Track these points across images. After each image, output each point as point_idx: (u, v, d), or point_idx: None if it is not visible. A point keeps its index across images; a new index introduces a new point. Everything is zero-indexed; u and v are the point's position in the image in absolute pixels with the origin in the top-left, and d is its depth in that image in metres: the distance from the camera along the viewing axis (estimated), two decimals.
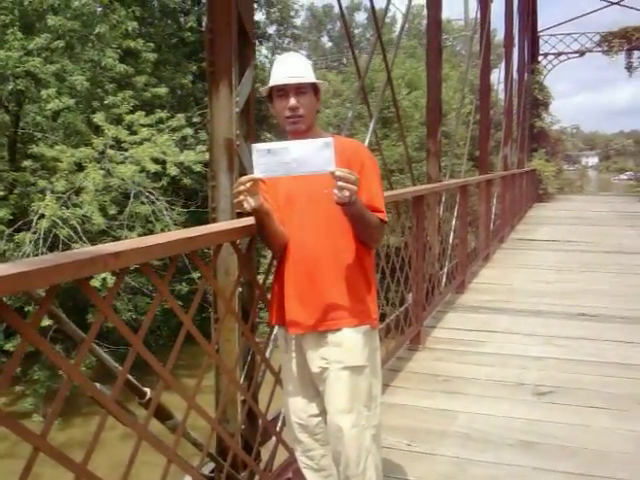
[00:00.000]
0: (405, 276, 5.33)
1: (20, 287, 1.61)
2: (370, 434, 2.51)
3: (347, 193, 2.18)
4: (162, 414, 2.77)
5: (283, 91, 2.49)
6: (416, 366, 5.13)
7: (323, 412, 2.59)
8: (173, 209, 13.34)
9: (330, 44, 40.19)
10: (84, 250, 1.91)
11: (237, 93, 3.33)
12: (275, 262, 2.68)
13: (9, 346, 11.40)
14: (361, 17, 41.86)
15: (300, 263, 2.50)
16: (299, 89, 2.49)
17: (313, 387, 2.60)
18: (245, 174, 3.42)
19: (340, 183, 2.17)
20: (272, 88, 2.52)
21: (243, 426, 3.26)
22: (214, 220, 3.30)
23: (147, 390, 2.63)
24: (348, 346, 2.46)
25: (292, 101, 2.47)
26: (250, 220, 2.61)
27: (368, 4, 7.11)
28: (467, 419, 4.13)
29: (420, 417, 4.17)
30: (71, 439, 10.14)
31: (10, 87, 13.58)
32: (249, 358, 3.46)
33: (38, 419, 10.44)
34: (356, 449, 2.47)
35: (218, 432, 2.81)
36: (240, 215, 3.31)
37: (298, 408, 2.66)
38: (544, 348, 5.48)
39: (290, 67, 2.51)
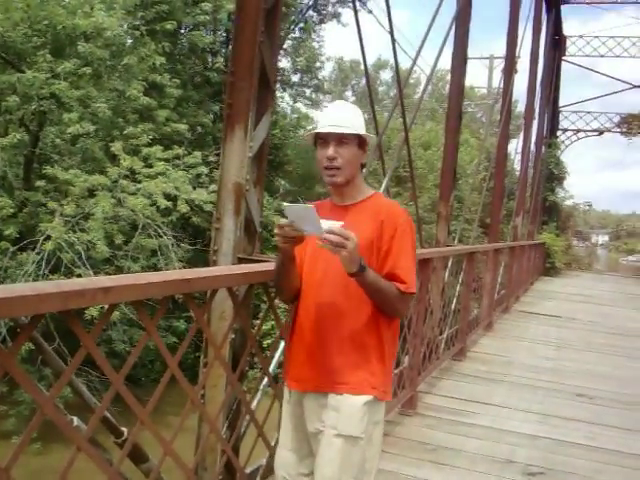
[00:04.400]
0: (403, 338, 5.24)
1: (2, 313, 1.57)
2: None
3: (344, 253, 2.11)
4: (137, 455, 2.69)
5: (324, 140, 2.40)
6: (406, 432, 5.00)
7: (312, 473, 2.47)
8: (179, 245, 13.32)
9: (353, 98, 40.73)
10: (74, 281, 1.86)
11: (252, 137, 3.33)
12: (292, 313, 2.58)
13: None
14: (386, 75, 42.54)
15: (312, 321, 2.41)
16: (341, 139, 2.38)
17: (308, 445, 2.49)
18: (251, 219, 3.41)
19: (330, 241, 2.10)
20: (316, 135, 2.44)
21: (220, 477, 3.17)
22: (214, 263, 3.27)
23: (124, 430, 2.56)
24: (345, 413, 2.33)
25: (330, 150, 2.37)
26: (250, 267, 2.57)
27: (394, 63, 7.18)
28: None
29: None
30: (47, 465, 9.93)
31: (33, 107, 13.73)
32: (234, 406, 3.39)
33: (18, 440, 10.26)
34: None
35: None
36: (241, 260, 3.29)
37: (288, 463, 2.54)
38: (538, 427, 5.34)
39: (336, 115, 2.41)
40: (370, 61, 40.93)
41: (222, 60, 19.24)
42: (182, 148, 13.62)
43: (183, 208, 12.41)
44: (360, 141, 2.42)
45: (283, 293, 2.56)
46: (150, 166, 12.86)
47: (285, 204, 2.20)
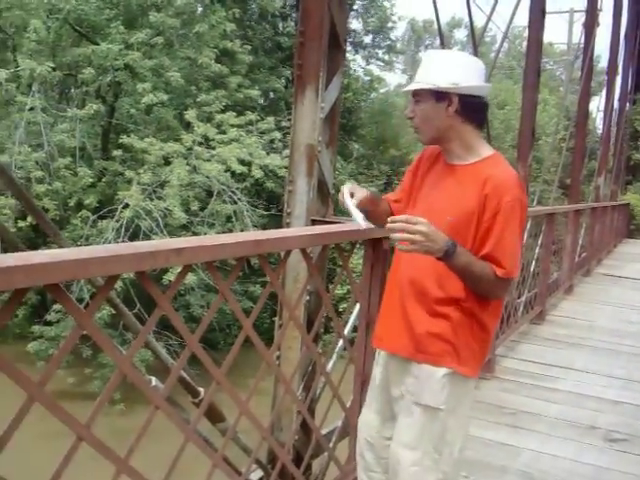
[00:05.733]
0: None
1: (78, 274, 1.59)
2: (436, 478, 2.27)
3: (414, 248, 2.00)
4: (214, 415, 2.73)
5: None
6: (483, 395, 4.93)
7: None
8: (254, 211, 13.43)
9: None
10: (147, 243, 1.87)
11: (323, 98, 3.27)
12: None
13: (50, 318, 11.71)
14: (461, 34, 41.47)
15: (399, 284, 2.32)
16: (414, 96, 2.21)
17: (391, 409, 2.43)
18: (324, 181, 3.38)
19: (392, 234, 2.02)
20: None
21: (296, 437, 3.19)
22: (288, 225, 3.25)
23: (201, 390, 2.59)
24: (424, 383, 2.24)
25: (406, 110, 2.24)
26: (323, 228, 2.54)
27: (468, 22, 6.95)
28: (530, 457, 3.92)
29: (481, 449, 3.99)
30: (130, 426, 10.29)
31: (108, 79, 14.02)
32: (310, 368, 3.40)
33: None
34: None
35: (269, 441, 2.73)
36: (315, 222, 3.26)
37: (371, 425, 2.50)
38: (621, 392, 5.18)
39: (420, 70, 2.21)
40: (444, 20, 39.95)
41: (293, 24, 19.16)
42: (255, 114, 13.66)
43: (257, 173, 12.47)
44: (439, 95, 2.15)
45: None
46: (224, 133, 12.96)
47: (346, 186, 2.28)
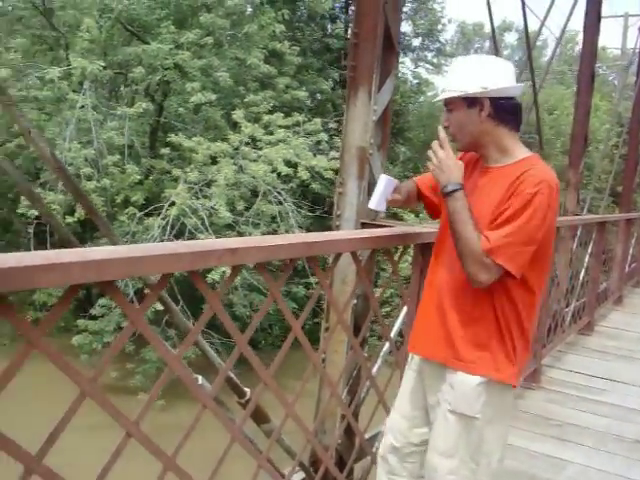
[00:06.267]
0: None
1: (132, 272, 1.58)
2: None
3: (431, 166, 2.17)
4: (259, 416, 2.72)
5: None
6: (529, 406, 4.84)
7: (422, 444, 2.40)
8: (299, 212, 13.45)
9: None
10: (201, 242, 1.86)
11: (375, 101, 3.25)
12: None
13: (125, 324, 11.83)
14: (511, 38, 40.95)
15: (434, 290, 2.30)
16: (447, 104, 2.20)
17: (422, 415, 2.41)
18: (374, 184, 3.35)
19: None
20: None
21: (339, 440, 3.17)
22: (337, 227, 3.23)
23: (247, 390, 2.59)
24: (459, 391, 2.21)
25: (442, 119, 2.24)
26: (373, 232, 2.51)
27: (520, 25, 6.85)
28: (577, 471, 3.83)
29: (526, 461, 3.91)
30: (171, 421, 10.37)
31: (158, 78, 14.17)
32: (355, 372, 3.37)
33: (143, 397, 10.75)
34: None
35: (312, 444, 2.71)
36: (364, 225, 3.24)
37: (398, 429, 2.47)
38: None
39: (449, 78, 2.20)
40: (494, 23, 39.44)
41: (341, 26, 19.15)
42: (302, 115, 13.68)
43: (303, 175, 12.47)
44: (470, 100, 2.13)
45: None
46: (270, 133, 13.00)
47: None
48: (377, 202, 2.40)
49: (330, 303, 2.70)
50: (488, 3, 5.25)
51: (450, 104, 2.19)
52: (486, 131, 2.16)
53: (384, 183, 2.43)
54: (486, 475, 2.24)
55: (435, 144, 2.17)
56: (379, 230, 2.78)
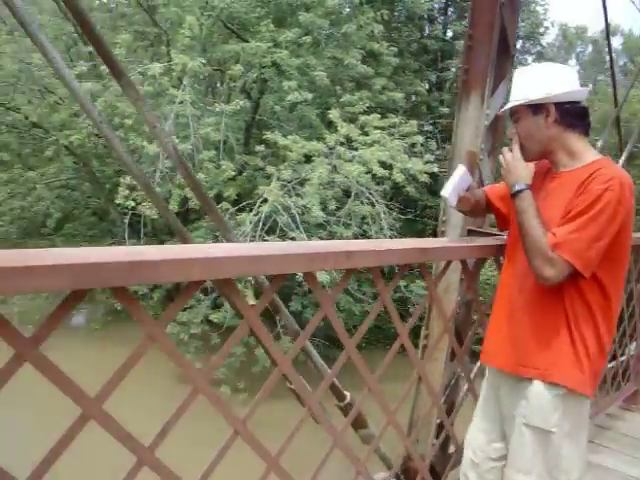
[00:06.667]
0: (633, 326, 4.82)
1: (251, 271, 1.57)
2: None
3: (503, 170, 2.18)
4: (357, 421, 2.69)
5: None
6: (627, 428, 4.62)
7: (500, 459, 2.33)
8: (391, 214, 13.34)
9: (577, 67, 38.27)
10: (316, 244, 1.84)
11: (488, 105, 3.16)
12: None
13: (214, 317, 12.00)
14: (616, 42, 39.55)
15: (505, 298, 2.27)
16: (512, 115, 2.22)
17: (499, 428, 2.34)
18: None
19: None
20: None
21: (433, 454, 3.10)
22: (442, 233, 3.16)
23: (347, 394, 2.56)
24: (534, 403, 2.13)
25: (509, 132, 2.25)
26: (484, 241, 2.44)
27: (626, 28, 6.58)
28: None
29: None
30: (254, 418, 10.45)
31: (255, 75, 14.33)
32: (452, 381, 3.30)
33: (226, 390, 10.87)
34: None
35: (409, 452, 2.65)
36: (470, 232, 3.15)
37: (477, 444, 2.41)
38: None
39: (512, 89, 2.21)
40: (598, 27, 38.22)
41: (440, 27, 18.92)
42: (398, 117, 13.56)
43: (398, 177, 12.34)
44: (535, 107, 2.14)
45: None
46: (366, 134, 12.94)
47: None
48: (450, 192, 2.34)
49: (435, 310, 2.63)
50: (604, 4, 5.05)
51: (516, 114, 2.20)
52: (554, 137, 2.15)
53: (460, 174, 2.38)
54: None
55: (505, 149, 2.24)
56: (489, 239, 2.70)
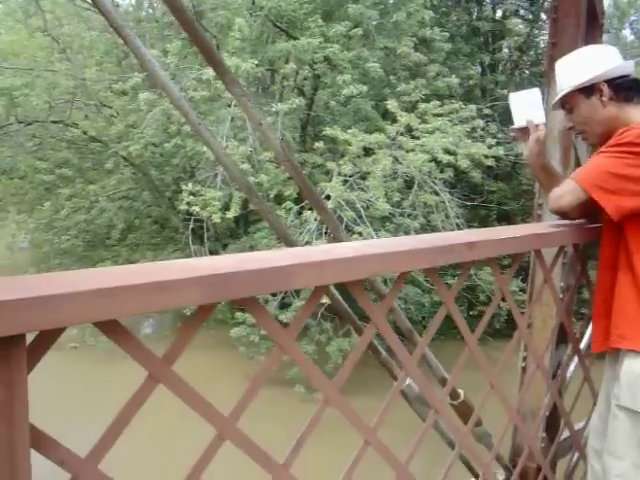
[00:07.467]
0: None
1: (381, 270, 1.48)
2: None
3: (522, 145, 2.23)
4: (467, 418, 2.58)
5: None
6: None
7: None
8: (456, 202, 13.15)
9: (632, 37, 37.16)
10: (432, 237, 1.74)
11: None
12: None
13: (282, 317, 11.99)
14: None
15: (597, 276, 2.22)
16: (564, 106, 2.18)
17: None
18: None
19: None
20: None
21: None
22: (539, 217, 3.02)
23: (461, 392, 2.45)
24: (624, 382, 2.01)
25: (564, 123, 2.23)
26: (590, 223, 2.30)
27: None
28: None
29: None
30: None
31: (306, 72, 14.28)
32: (559, 371, 3.15)
33: (300, 389, 10.85)
34: None
35: (531, 450, 2.51)
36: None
37: (595, 431, 2.33)
38: None
39: (558, 80, 2.18)
40: None
41: (489, 8, 18.59)
42: (458, 102, 13.32)
43: (463, 163, 12.14)
44: (587, 90, 2.09)
45: None
46: (425, 122, 12.77)
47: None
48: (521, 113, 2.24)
49: (554, 298, 2.46)
50: None
51: (568, 103, 2.15)
52: (614, 115, 2.09)
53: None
54: None
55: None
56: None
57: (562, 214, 2.05)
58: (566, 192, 2.03)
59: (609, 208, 1.94)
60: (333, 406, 1.51)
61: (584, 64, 2.11)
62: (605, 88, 2.07)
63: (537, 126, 2.19)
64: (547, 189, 2.22)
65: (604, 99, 2.07)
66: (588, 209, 2.04)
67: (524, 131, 2.23)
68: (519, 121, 2.23)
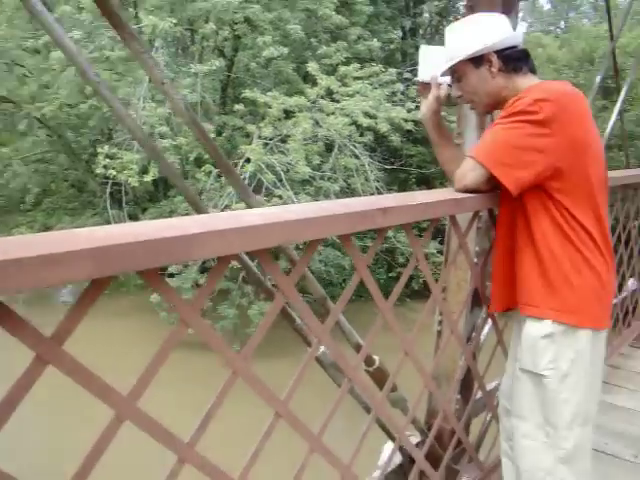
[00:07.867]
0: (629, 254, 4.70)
1: (293, 237, 1.41)
2: (555, 456, 2.02)
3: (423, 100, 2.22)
4: (383, 383, 2.57)
5: None
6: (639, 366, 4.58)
7: None
8: (375, 166, 13.20)
9: (548, 6, 37.91)
10: (350, 202, 1.67)
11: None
12: None
13: (203, 281, 11.85)
14: None
15: (499, 235, 2.19)
16: (453, 75, 2.12)
17: None
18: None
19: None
20: None
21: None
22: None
23: (376, 358, 2.43)
24: (525, 345, 2.03)
25: (452, 91, 2.15)
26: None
27: None
28: None
29: (637, 422, 3.68)
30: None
31: (227, 32, 13.96)
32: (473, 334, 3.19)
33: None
34: (528, 463, 2.08)
35: (446, 413, 2.52)
36: None
37: (505, 392, 2.33)
38: None
39: (447, 48, 2.11)
40: None
41: None
42: (378, 66, 13.29)
43: (383, 127, 12.15)
44: (477, 60, 2.04)
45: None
46: (345, 85, 12.71)
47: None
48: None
49: (469, 262, 2.45)
50: None
51: (457, 72, 2.10)
52: (502, 85, 2.06)
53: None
54: (568, 440, 2.02)
55: None
56: None
57: (471, 192, 2.00)
58: (467, 171, 1.99)
59: (510, 184, 1.91)
60: (243, 379, 1.45)
61: (475, 33, 2.06)
62: (494, 59, 2.04)
63: (440, 85, 2.15)
64: (438, 149, 2.20)
65: (493, 70, 2.05)
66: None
67: (427, 87, 2.19)
68: (424, 75, 2.19)
